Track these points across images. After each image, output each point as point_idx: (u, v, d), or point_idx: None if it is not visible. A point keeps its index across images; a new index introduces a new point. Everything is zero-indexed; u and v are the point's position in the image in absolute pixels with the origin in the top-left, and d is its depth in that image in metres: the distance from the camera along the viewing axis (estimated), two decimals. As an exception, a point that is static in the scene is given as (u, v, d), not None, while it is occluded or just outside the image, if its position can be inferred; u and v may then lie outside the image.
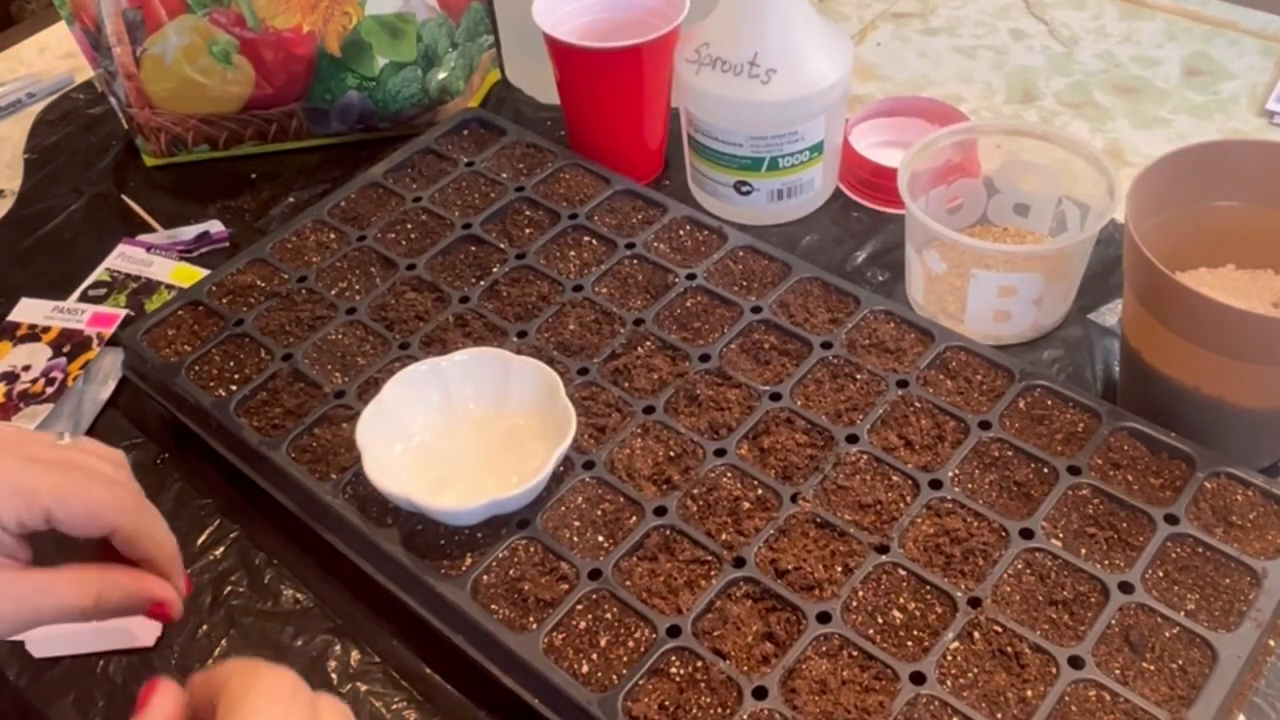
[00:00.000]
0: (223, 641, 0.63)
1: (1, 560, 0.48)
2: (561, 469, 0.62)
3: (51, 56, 1.11)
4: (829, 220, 0.85)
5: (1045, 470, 0.61)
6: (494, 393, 0.65)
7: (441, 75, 0.93)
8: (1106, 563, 0.57)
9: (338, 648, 0.62)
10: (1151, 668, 0.53)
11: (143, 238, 0.88)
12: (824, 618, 0.55)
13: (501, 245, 0.76)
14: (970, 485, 0.61)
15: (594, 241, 0.76)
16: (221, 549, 0.67)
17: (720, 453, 0.63)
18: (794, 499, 0.60)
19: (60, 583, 0.48)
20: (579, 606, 0.57)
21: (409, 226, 0.78)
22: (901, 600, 0.56)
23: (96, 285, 0.84)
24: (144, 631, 0.63)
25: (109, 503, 0.49)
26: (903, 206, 0.73)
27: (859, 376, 0.66)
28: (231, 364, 0.70)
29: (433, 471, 0.63)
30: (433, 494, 0.60)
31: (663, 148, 0.90)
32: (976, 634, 0.55)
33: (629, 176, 0.80)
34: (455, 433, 0.65)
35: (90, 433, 0.75)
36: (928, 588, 0.56)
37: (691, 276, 0.73)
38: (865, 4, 1.07)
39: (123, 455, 0.53)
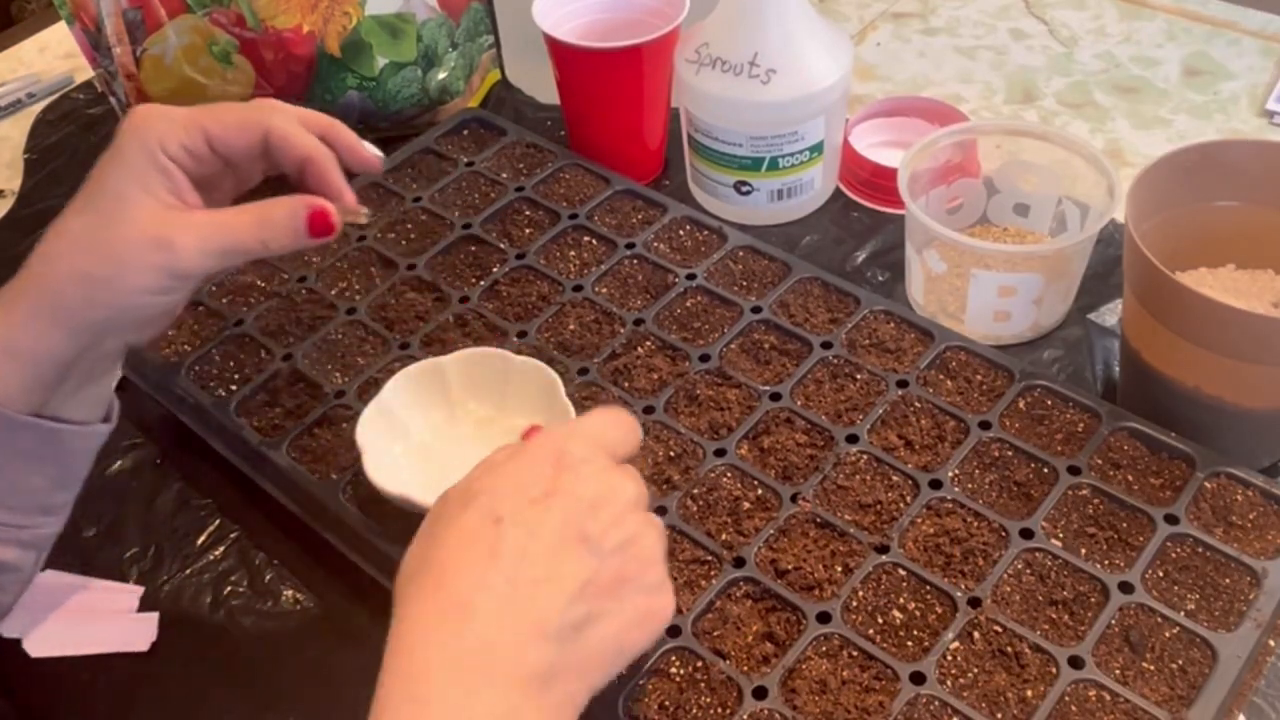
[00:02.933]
0: (223, 641, 0.63)
1: (173, 202, 0.52)
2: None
3: (51, 56, 1.11)
4: (829, 220, 0.85)
5: (1045, 470, 0.61)
6: (494, 392, 0.65)
7: (441, 75, 0.93)
8: (1106, 563, 0.57)
9: (338, 648, 0.62)
10: (1151, 668, 0.53)
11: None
12: (824, 618, 0.55)
13: (501, 245, 0.76)
14: (970, 485, 0.61)
15: (594, 241, 0.76)
16: (221, 549, 0.67)
17: (720, 453, 0.63)
18: (794, 499, 0.60)
19: (227, 214, 0.52)
20: (579, 606, 0.57)
21: (409, 226, 0.78)
22: (901, 600, 0.56)
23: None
24: (140, 635, 0.63)
25: (254, 106, 0.53)
26: (903, 206, 0.73)
27: (859, 376, 0.66)
28: (231, 364, 0.70)
29: (433, 471, 0.63)
30: (432, 494, 0.60)
31: (663, 148, 0.90)
32: (976, 634, 0.55)
33: (629, 176, 0.80)
34: (455, 433, 0.65)
35: (90, 433, 0.75)
36: (928, 588, 0.56)
37: (691, 276, 0.73)
38: (865, 4, 1.07)
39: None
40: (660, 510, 0.60)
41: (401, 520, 0.61)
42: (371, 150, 0.58)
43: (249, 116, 0.53)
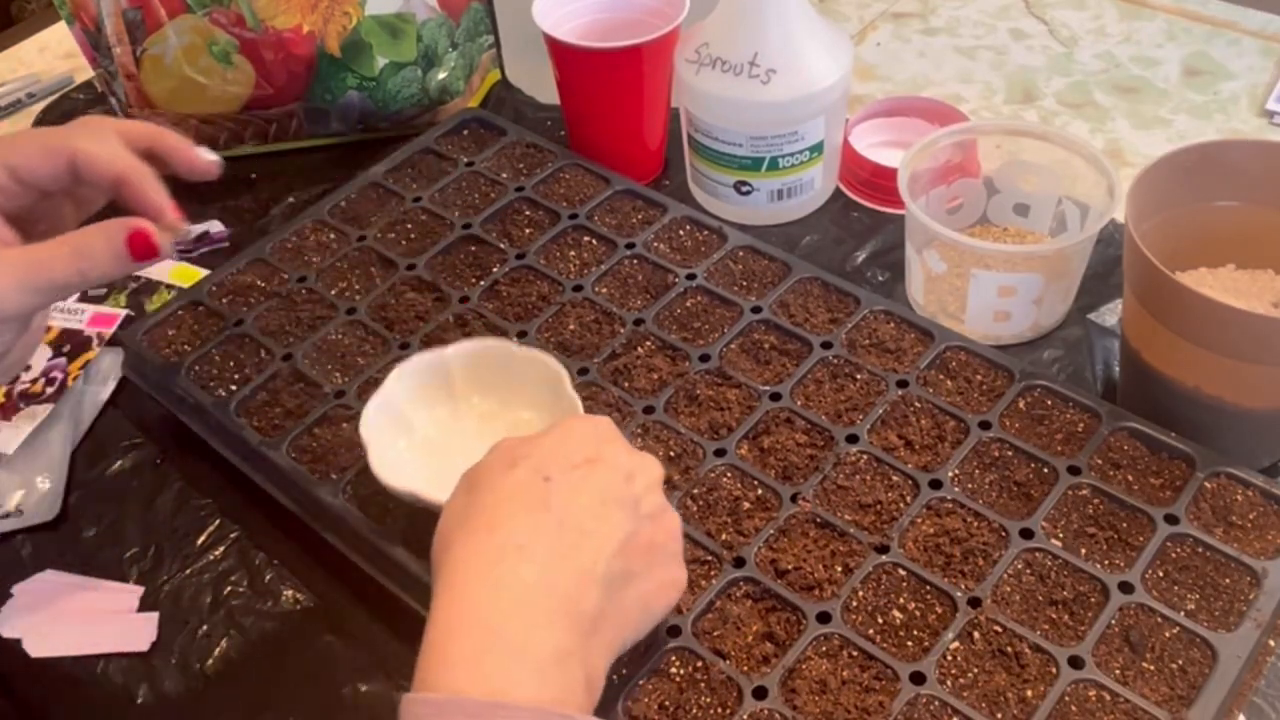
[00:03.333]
0: (223, 641, 0.63)
1: None
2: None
3: (51, 56, 1.11)
4: (829, 220, 0.85)
5: (1045, 470, 0.61)
6: (498, 385, 0.64)
7: (441, 75, 0.93)
8: (1106, 563, 0.57)
9: (338, 648, 0.62)
10: (1151, 668, 0.53)
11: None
12: (824, 618, 0.55)
13: (501, 245, 0.76)
14: (970, 485, 0.61)
15: (594, 241, 0.76)
16: (221, 549, 0.67)
17: (720, 453, 0.63)
18: (794, 499, 0.60)
19: (43, 247, 0.49)
20: (579, 606, 0.57)
21: (409, 226, 0.78)
22: (901, 600, 0.56)
23: (96, 285, 0.84)
24: (140, 635, 0.63)
25: (61, 130, 0.51)
26: (903, 206, 0.73)
27: (859, 376, 0.66)
28: (231, 364, 0.70)
29: (437, 467, 0.62)
30: (439, 489, 0.60)
31: (663, 148, 0.90)
32: (976, 634, 0.55)
33: (629, 176, 0.80)
34: (460, 427, 0.64)
35: (90, 433, 0.75)
36: (928, 588, 0.56)
37: (691, 276, 0.73)
38: (865, 4, 1.07)
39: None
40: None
41: (403, 520, 0.61)
42: (206, 155, 0.55)
43: (51, 143, 0.49)
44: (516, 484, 0.47)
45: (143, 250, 0.50)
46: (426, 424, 0.64)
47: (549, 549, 0.45)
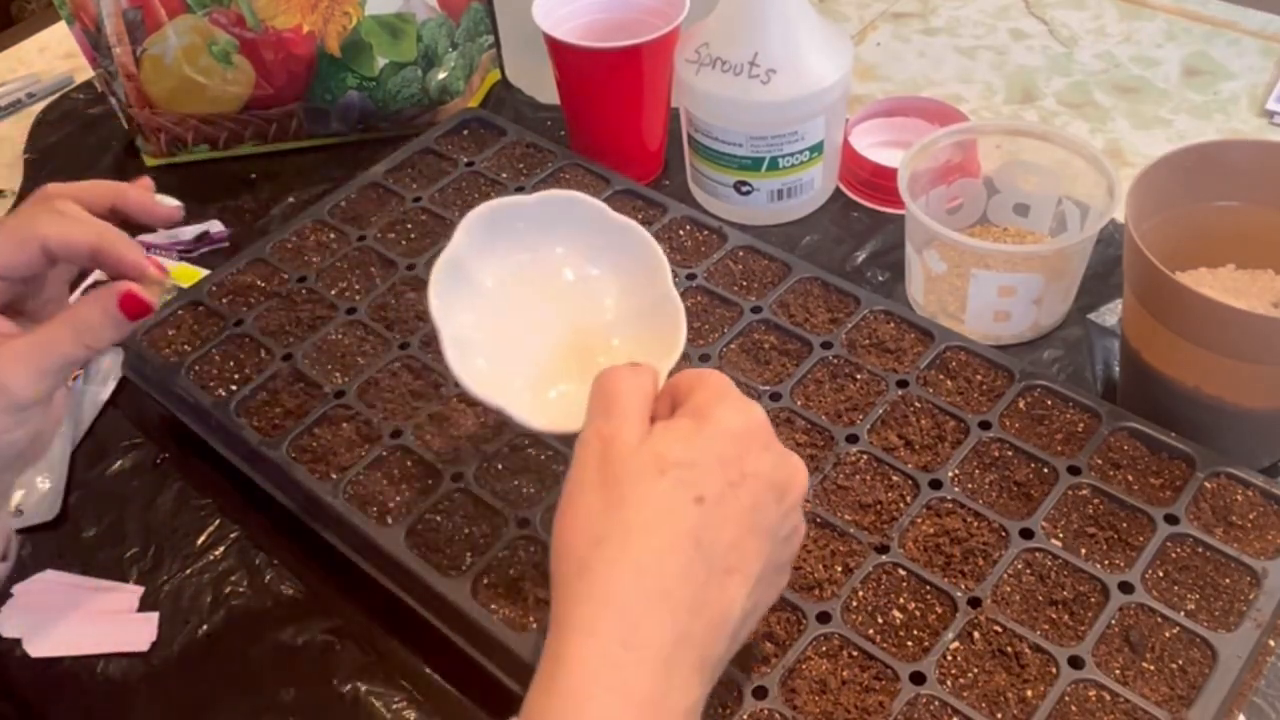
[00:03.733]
0: (223, 641, 0.63)
1: None
2: (561, 468, 0.62)
3: (51, 56, 1.11)
4: (829, 220, 0.85)
5: (1045, 470, 0.61)
6: (582, 250, 0.57)
7: (441, 75, 0.93)
8: (1106, 563, 0.57)
9: (338, 648, 0.62)
10: (1151, 668, 0.53)
11: (142, 238, 0.88)
12: (824, 618, 0.55)
13: (501, 245, 0.76)
14: (970, 485, 0.61)
15: (594, 241, 0.76)
16: (221, 549, 0.67)
17: (720, 453, 0.63)
18: (794, 499, 0.60)
19: (44, 332, 0.50)
20: (579, 606, 0.57)
21: (409, 226, 0.78)
22: (901, 600, 0.56)
23: (96, 285, 0.84)
24: (140, 635, 0.63)
25: (24, 218, 0.51)
26: (903, 206, 0.73)
27: (859, 376, 0.66)
28: (231, 364, 0.70)
29: (509, 336, 0.56)
30: (523, 405, 0.54)
31: (663, 148, 0.90)
32: (976, 634, 0.55)
33: (629, 176, 0.80)
34: (536, 278, 0.57)
35: (90, 433, 0.75)
36: (928, 588, 0.56)
37: (691, 276, 0.73)
38: (865, 4, 1.07)
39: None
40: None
41: (401, 519, 0.61)
42: (168, 204, 0.56)
43: (19, 234, 0.50)
44: (665, 504, 0.43)
45: (136, 310, 0.51)
46: (496, 281, 0.57)
47: (693, 597, 0.42)
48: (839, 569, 0.57)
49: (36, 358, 0.49)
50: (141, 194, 0.55)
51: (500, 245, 0.57)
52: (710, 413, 0.45)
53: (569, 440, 0.48)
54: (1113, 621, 0.55)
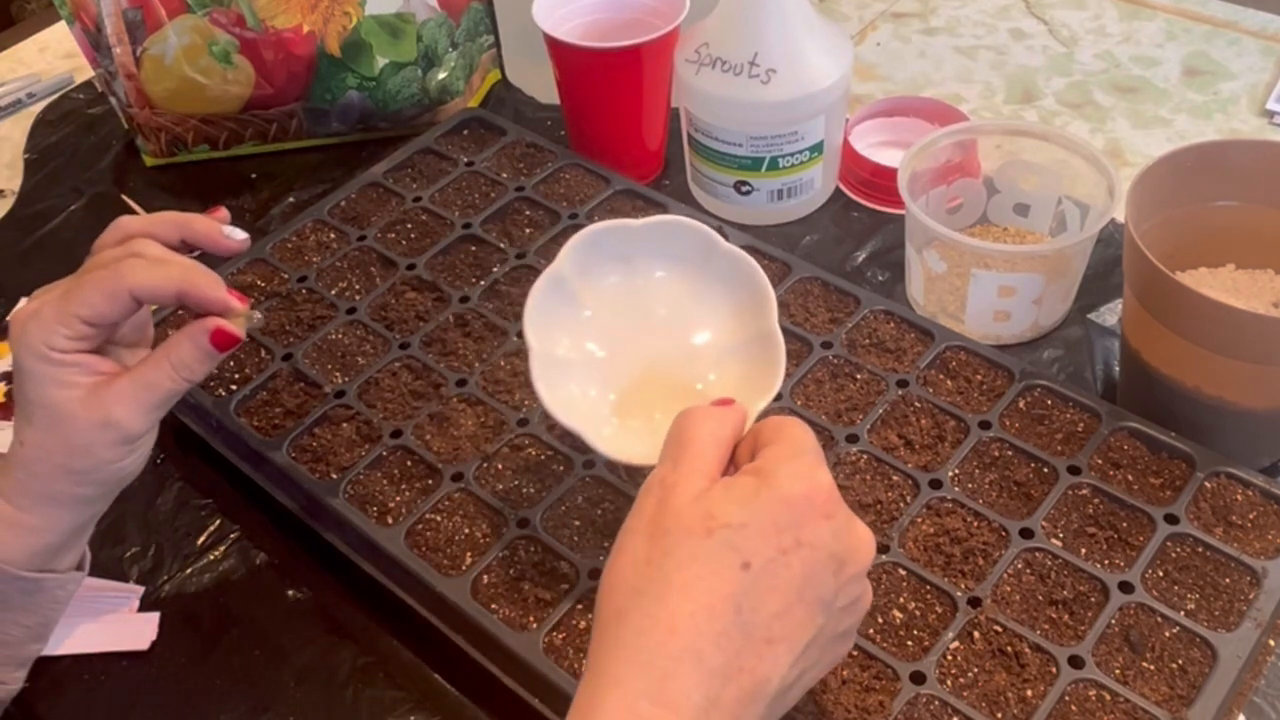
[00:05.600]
0: (223, 641, 0.63)
1: (93, 379, 0.53)
2: (561, 468, 0.62)
3: (51, 56, 1.11)
4: (829, 220, 0.85)
5: (1045, 470, 0.61)
6: (689, 273, 0.56)
7: (441, 75, 0.93)
8: (1106, 562, 0.57)
9: (338, 648, 0.62)
10: (1151, 667, 0.53)
11: (143, 238, 0.88)
12: (824, 617, 0.55)
13: (501, 245, 0.76)
14: (970, 485, 0.61)
15: (594, 241, 0.76)
16: (221, 549, 0.67)
17: (720, 453, 0.63)
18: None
19: (145, 369, 0.54)
20: (579, 606, 0.57)
21: (409, 226, 0.78)
22: (901, 600, 0.56)
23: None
24: (140, 635, 0.63)
25: (111, 273, 0.52)
26: (903, 206, 0.73)
27: (859, 376, 0.66)
28: (231, 364, 0.70)
29: (609, 372, 0.55)
30: (614, 442, 0.54)
31: (663, 148, 0.90)
32: (976, 634, 0.55)
33: (629, 176, 0.80)
34: (634, 303, 0.56)
35: (90, 433, 0.75)
36: (928, 588, 0.56)
37: (691, 276, 0.73)
38: (865, 4, 1.07)
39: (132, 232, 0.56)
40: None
41: (402, 520, 0.61)
42: (236, 236, 0.57)
43: (108, 287, 0.52)
44: (708, 566, 0.42)
45: (226, 343, 0.54)
46: (595, 304, 0.56)
47: (726, 663, 0.41)
48: (839, 569, 0.57)
49: (144, 396, 0.53)
50: (209, 226, 0.57)
51: (603, 268, 0.56)
52: (773, 474, 0.44)
53: (636, 472, 0.46)
54: (1113, 621, 0.55)
